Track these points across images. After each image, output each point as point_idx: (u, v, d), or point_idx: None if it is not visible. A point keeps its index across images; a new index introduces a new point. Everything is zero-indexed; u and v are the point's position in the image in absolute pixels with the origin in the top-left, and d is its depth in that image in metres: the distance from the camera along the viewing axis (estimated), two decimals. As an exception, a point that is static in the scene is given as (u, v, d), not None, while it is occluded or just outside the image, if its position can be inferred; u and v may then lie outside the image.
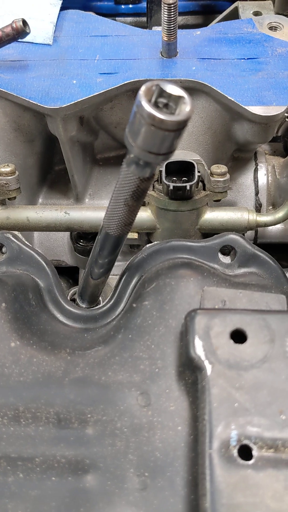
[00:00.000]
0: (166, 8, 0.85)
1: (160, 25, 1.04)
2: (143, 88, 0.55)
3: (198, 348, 0.57)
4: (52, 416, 0.61)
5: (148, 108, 0.53)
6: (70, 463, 0.59)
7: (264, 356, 0.56)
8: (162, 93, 0.56)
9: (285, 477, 0.50)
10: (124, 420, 0.60)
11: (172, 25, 0.87)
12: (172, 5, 0.84)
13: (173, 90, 0.56)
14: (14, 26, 0.88)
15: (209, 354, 0.56)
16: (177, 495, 0.55)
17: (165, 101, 0.56)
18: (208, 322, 0.58)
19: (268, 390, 0.54)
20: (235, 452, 0.52)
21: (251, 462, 0.51)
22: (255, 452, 0.51)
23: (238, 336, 0.58)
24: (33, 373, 0.65)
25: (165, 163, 0.87)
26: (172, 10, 0.85)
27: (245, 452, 0.52)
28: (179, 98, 0.55)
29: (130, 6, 1.27)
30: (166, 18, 0.86)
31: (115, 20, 1.27)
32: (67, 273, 1.21)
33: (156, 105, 0.56)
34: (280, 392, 0.54)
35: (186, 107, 0.55)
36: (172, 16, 0.86)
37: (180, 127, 0.55)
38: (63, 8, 1.04)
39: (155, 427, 0.59)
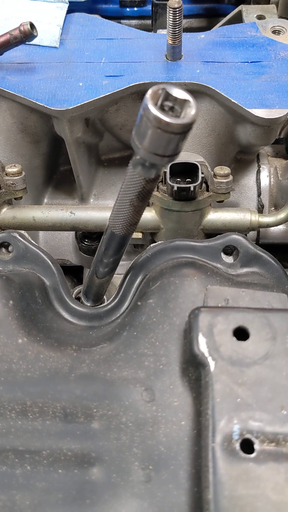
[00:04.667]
0: (171, 12, 0.86)
1: (165, 28, 1.06)
2: (149, 92, 0.57)
3: (202, 345, 0.59)
4: (58, 411, 0.63)
5: (154, 111, 0.55)
6: (76, 456, 0.60)
7: (266, 353, 0.57)
8: (168, 96, 0.57)
9: (286, 470, 0.52)
10: (129, 415, 0.62)
11: (177, 29, 0.89)
12: (177, 10, 0.86)
13: (179, 93, 0.58)
14: (22, 29, 0.89)
15: (212, 350, 0.58)
16: (180, 487, 0.57)
17: (171, 104, 0.58)
18: (212, 320, 0.60)
19: (270, 386, 0.56)
20: (237, 445, 0.53)
21: (252, 455, 0.52)
22: (256, 446, 0.53)
23: (241, 334, 0.59)
24: (40, 369, 0.66)
25: (170, 164, 0.89)
26: (177, 14, 0.87)
27: (247, 446, 0.53)
28: (184, 102, 0.57)
29: (135, 9, 1.28)
30: (171, 22, 0.88)
31: (120, 22, 1.29)
32: (72, 272, 1.22)
33: (162, 108, 0.58)
34: (282, 388, 0.55)
35: (191, 111, 0.56)
36: (177, 20, 0.87)
37: (185, 130, 0.56)
38: (69, 11, 1.05)
39: (159, 422, 0.61)
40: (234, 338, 0.59)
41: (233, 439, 0.53)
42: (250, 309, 0.61)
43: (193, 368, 0.61)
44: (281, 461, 0.52)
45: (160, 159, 0.59)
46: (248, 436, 0.53)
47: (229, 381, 0.56)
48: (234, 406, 0.55)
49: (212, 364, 0.57)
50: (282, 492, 0.50)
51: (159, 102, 0.58)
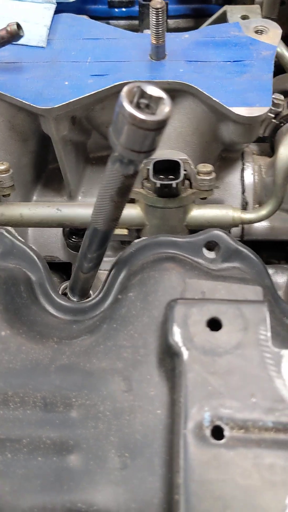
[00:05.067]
0: (154, 12, 0.88)
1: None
2: (125, 90, 0.58)
3: (176, 335, 0.61)
4: (39, 401, 0.65)
5: (129, 108, 0.57)
6: (55, 444, 0.62)
7: (237, 343, 0.59)
8: (143, 94, 0.59)
9: (254, 456, 0.53)
10: (107, 404, 0.63)
11: (160, 29, 0.91)
12: (160, 9, 0.88)
13: (153, 91, 0.60)
14: (9, 29, 0.91)
15: (186, 341, 0.60)
16: (155, 474, 0.59)
17: (146, 101, 0.60)
18: (186, 311, 0.62)
19: (240, 375, 0.57)
20: (208, 432, 0.55)
21: (222, 441, 0.54)
22: (226, 433, 0.55)
23: (214, 324, 0.61)
24: (22, 360, 0.68)
25: (153, 162, 0.91)
26: (160, 14, 0.89)
27: (217, 432, 0.55)
28: (159, 99, 0.59)
29: (124, 9, 1.30)
30: (154, 22, 0.90)
31: (109, 23, 1.31)
32: (61, 269, 1.24)
33: (138, 105, 0.59)
34: (252, 377, 0.57)
35: (165, 108, 0.58)
36: (160, 20, 0.89)
37: (160, 126, 0.58)
38: (57, 11, 1.07)
39: (135, 411, 0.63)
40: (208, 329, 0.60)
41: (204, 426, 0.55)
42: (224, 301, 0.63)
43: (169, 358, 0.63)
44: (250, 446, 0.54)
45: (137, 155, 0.61)
46: (218, 423, 0.55)
47: (201, 370, 0.58)
48: (205, 394, 0.56)
49: (185, 354, 0.59)
50: (249, 477, 0.52)
51: (135, 100, 0.59)
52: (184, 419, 0.56)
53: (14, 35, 0.92)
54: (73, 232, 1.10)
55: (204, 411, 0.55)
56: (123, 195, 0.69)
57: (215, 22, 1.13)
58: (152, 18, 0.89)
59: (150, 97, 0.59)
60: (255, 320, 0.60)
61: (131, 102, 0.58)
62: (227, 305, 0.62)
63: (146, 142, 0.59)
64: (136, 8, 1.26)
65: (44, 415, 0.64)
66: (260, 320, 0.60)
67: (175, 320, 0.61)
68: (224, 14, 1.10)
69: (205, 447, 0.54)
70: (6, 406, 0.65)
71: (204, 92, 0.90)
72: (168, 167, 0.91)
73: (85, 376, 0.66)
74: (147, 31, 1.13)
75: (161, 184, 0.89)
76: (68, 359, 0.68)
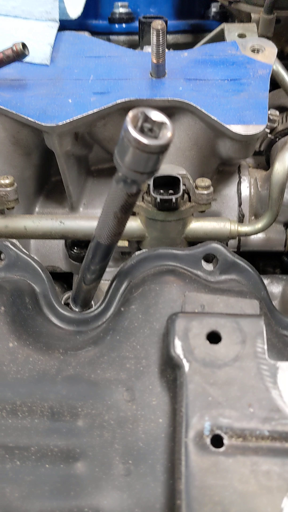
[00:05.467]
0: (155, 33, 0.91)
1: (150, 44, 1.11)
2: (130, 115, 0.62)
3: (178, 347, 0.64)
4: (46, 410, 0.68)
5: (134, 133, 0.60)
6: (62, 452, 0.65)
7: (236, 355, 0.62)
8: (147, 119, 0.63)
9: (251, 463, 0.57)
10: (111, 413, 0.67)
11: (160, 49, 0.94)
12: (160, 31, 0.91)
13: (157, 116, 0.63)
14: (15, 49, 0.94)
15: (187, 353, 0.63)
16: (157, 480, 0.62)
17: (149, 126, 0.63)
18: (187, 324, 0.65)
19: (239, 386, 0.61)
20: (208, 440, 0.58)
21: (222, 449, 0.57)
22: (225, 441, 0.58)
23: (214, 337, 0.64)
24: (29, 371, 0.71)
25: (153, 177, 0.94)
26: (161, 35, 0.92)
27: (217, 441, 0.58)
28: (161, 124, 0.62)
29: (124, 25, 1.33)
30: (155, 42, 0.93)
31: (109, 38, 1.34)
32: (62, 279, 1.27)
33: (141, 130, 0.63)
34: (249, 387, 0.60)
35: (167, 132, 0.62)
36: (160, 40, 0.92)
37: (162, 150, 0.61)
38: (60, 27, 1.10)
39: (138, 420, 0.66)
40: (207, 342, 0.64)
41: (204, 434, 0.58)
42: (223, 315, 0.66)
43: (171, 370, 0.66)
44: (247, 454, 0.57)
45: (140, 175, 0.64)
46: (218, 432, 0.58)
47: (201, 381, 0.61)
48: (205, 404, 0.60)
49: (186, 366, 0.62)
50: (247, 483, 0.55)
51: (139, 124, 0.63)
52: (185, 428, 0.59)
53: (19, 54, 0.95)
54: (75, 243, 1.13)
55: (204, 420, 0.59)
56: (126, 212, 0.72)
57: (213, 39, 1.16)
58: (153, 39, 0.92)
59: (153, 121, 0.62)
60: (253, 334, 0.63)
61: (135, 126, 0.61)
62: (225, 319, 0.65)
63: (149, 164, 0.63)
64: (136, 24, 1.30)
65: (52, 424, 0.67)
66: (257, 333, 0.63)
67: (176, 333, 0.65)
68: (221, 32, 1.13)
69: (205, 455, 0.57)
70: (14, 415, 0.68)
71: (203, 110, 0.94)
72: (168, 182, 0.94)
73: (90, 386, 0.69)
74: (147, 48, 1.16)
75: (161, 199, 0.92)
76: (74, 369, 0.71)
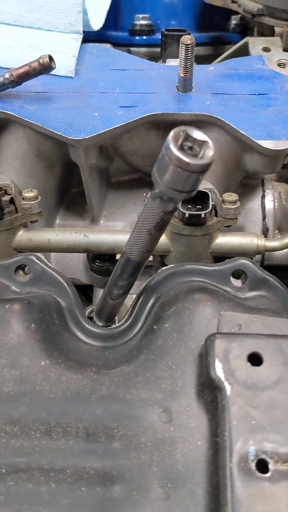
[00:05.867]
0: (184, 48, 0.91)
1: (173, 57, 1.11)
2: (172, 133, 0.61)
3: (218, 370, 0.63)
4: (81, 431, 0.66)
5: (176, 152, 0.59)
6: (99, 474, 0.64)
7: (278, 377, 0.61)
8: (188, 137, 0.62)
9: (299, 489, 0.55)
10: (148, 435, 0.65)
11: (188, 63, 0.94)
12: (189, 46, 0.91)
13: (198, 135, 0.62)
14: (41, 61, 0.94)
15: (228, 375, 0.62)
16: (197, 504, 0.60)
17: (190, 144, 0.62)
18: (227, 346, 0.64)
19: (282, 409, 0.60)
20: (253, 465, 0.57)
21: (267, 475, 0.56)
22: (271, 466, 0.57)
23: (255, 359, 0.63)
24: (63, 390, 0.70)
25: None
26: (190, 49, 0.92)
27: (262, 466, 0.57)
28: (203, 143, 0.61)
29: (144, 37, 1.33)
30: (183, 57, 0.93)
31: (130, 50, 1.34)
32: (80, 291, 1.26)
33: (181, 147, 0.62)
34: (293, 411, 0.59)
35: (209, 152, 0.61)
36: (189, 55, 0.92)
37: (204, 169, 0.61)
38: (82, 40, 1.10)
39: (176, 442, 0.64)
40: (249, 364, 0.63)
41: (249, 459, 0.57)
42: (263, 336, 0.65)
43: (209, 391, 0.65)
44: (294, 480, 0.56)
45: (178, 194, 0.64)
46: (263, 456, 0.57)
47: (244, 404, 0.60)
48: (249, 428, 0.59)
49: (228, 388, 0.61)
50: (295, 510, 0.54)
51: (179, 142, 0.62)
52: (229, 452, 0.58)
53: (46, 67, 0.94)
54: (97, 256, 1.12)
55: (249, 445, 0.57)
56: (160, 229, 0.71)
57: (236, 52, 1.16)
58: (181, 53, 0.92)
59: (195, 140, 0.62)
60: (294, 355, 0.62)
61: (176, 145, 0.61)
62: (266, 339, 0.64)
63: (188, 183, 0.62)
64: (157, 36, 1.30)
65: (87, 445, 0.66)
66: (298, 355, 0.62)
67: (216, 354, 0.63)
68: (245, 45, 1.13)
69: (251, 481, 0.56)
70: (49, 436, 0.66)
71: (231, 125, 0.93)
72: (195, 197, 0.93)
73: (126, 406, 0.68)
74: (169, 60, 1.16)
75: (189, 214, 0.91)
76: (108, 389, 0.70)
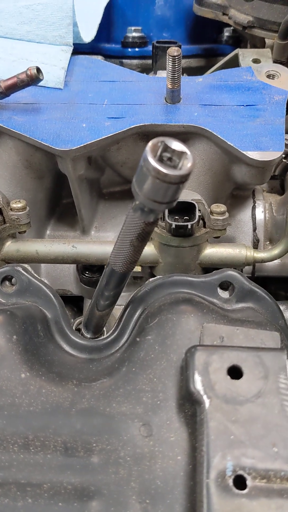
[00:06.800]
0: (170, 59, 0.91)
1: (164, 69, 1.11)
2: (150, 144, 0.60)
3: (197, 383, 0.62)
4: (59, 445, 0.65)
5: (153, 163, 0.59)
6: (76, 489, 0.62)
7: (258, 391, 0.60)
8: (166, 148, 0.61)
9: (277, 506, 0.54)
10: (127, 450, 0.64)
11: (176, 75, 0.94)
12: (176, 57, 0.91)
13: (177, 146, 0.62)
14: (29, 73, 0.94)
15: (207, 389, 0.61)
16: (176, 521, 0.59)
17: (169, 155, 0.62)
18: (207, 359, 0.63)
19: (262, 424, 0.58)
20: (230, 481, 0.55)
21: (245, 491, 0.55)
22: (249, 482, 0.55)
23: (235, 372, 0.62)
24: (42, 403, 0.69)
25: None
26: (176, 61, 0.92)
27: (239, 482, 0.56)
28: (182, 154, 0.61)
29: (137, 49, 1.34)
30: (170, 68, 0.93)
31: (122, 62, 1.35)
32: (72, 302, 1.25)
33: (160, 159, 0.61)
34: (273, 425, 0.58)
35: (188, 163, 0.60)
36: (176, 66, 0.92)
37: (182, 180, 0.60)
38: (73, 51, 1.10)
39: (156, 457, 0.63)
40: (228, 377, 0.61)
41: (226, 475, 0.56)
42: (244, 348, 0.64)
43: (189, 405, 0.64)
44: (272, 497, 0.54)
45: (158, 205, 0.63)
46: (240, 472, 0.56)
47: (223, 418, 0.59)
48: (227, 443, 0.57)
49: (207, 402, 0.60)
50: (273, 528, 0.53)
51: (158, 153, 0.61)
52: (206, 468, 0.56)
53: (34, 79, 0.95)
54: (87, 267, 1.11)
55: (227, 460, 0.56)
56: (142, 240, 0.71)
57: (227, 64, 1.16)
58: (169, 65, 0.92)
59: (173, 151, 0.61)
60: (275, 368, 0.61)
61: (154, 156, 0.60)
62: (247, 352, 0.63)
63: (168, 194, 0.61)
64: (149, 48, 1.30)
65: (65, 459, 0.64)
66: (280, 368, 0.61)
67: (196, 367, 0.62)
68: (236, 57, 1.13)
69: (228, 497, 0.55)
70: (26, 450, 0.65)
71: (219, 136, 0.93)
72: (183, 208, 0.93)
73: (106, 420, 0.67)
74: (160, 72, 1.16)
75: (176, 225, 0.90)
76: (88, 402, 0.69)
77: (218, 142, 0.95)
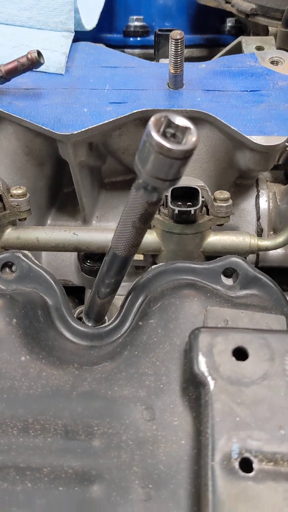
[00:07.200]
0: (173, 43, 0.90)
1: (167, 57, 1.09)
2: (152, 119, 0.59)
3: (202, 364, 0.60)
4: (60, 428, 0.64)
5: (157, 137, 0.57)
6: (77, 473, 0.61)
7: (264, 373, 0.59)
8: (170, 124, 0.60)
9: (284, 490, 0.52)
10: (130, 434, 0.63)
11: (178, 59, 0.92)
12: (179, 40, 0.90)
13: (181, 121, 0.60)
14: (29, 56, 0.93)
15: (212, 370, 0.59)
16: (180, 506, 0.57)
17: (172, 131, 0.60)
18: (211, 340, 0.61)
19: (268, 406, 0.57)
20: (236, 464, 0.54)
21: (251, 474, 0.53)
22: (255, 465, 0.54)
23: (240, 354, 0.60)
24: (42, 386, 0.67)
25: (171, 188, 0.91)
26: (179, 45, 0.90)
27: (246, 465, 0.54)
28: (186, 129, 0.59)
29: (138, 38, 1.33)
30: (173, 52, 0.91)
31: (124, 51, 1.33)
32: (74, 293, 1.23)
33: (164, 134, 0.60)
34: (279, 408, 0.57)
35: (192, 137, 0.59)
36: (179, 50, 0.91)
37: (186, 155, 0.58)
38: (75, 40, 1.09)
39: (159, 441, 0.62)
40: (233, 358, 0.60)
41: (232, 458, 0.54)
42: (249, 330, 0.62)
43: (193, 388, 0.62)
44: (279, 480, 0.53)
45: (161, 183, 0.61)
46: (247, 455, 0.54)
47: (228, 400, 0.57)
48: (233, 425, 0.56)
49: (211, 384, 0.59)
50: (280, 511, 0.51)
51: (162, 129, 0.60)
52: (211, 450, 0.55)
53: (34, 63, 0.93)
54: (88, 256, 1.10)
55: (232, 442, 0.55)
56: (145, 222, 0.69)
57: (230, 52, 1.15)
58: (171, 48, 0.91)
59: (177, 126, 0.60)
60: (281, 351, 0.60)
61: (158, 131, 0.59)
62: (252, 334, 0.61)
63: (171, 171, 0.60)
64: (151, 37, 1.29)
65: (66, 443, 0.63)
66: (286, 350, 0.60)
67: (200, 349, 0.61)
68: (239, 45, 1.12)
69: (234, 480, 0.53)
70: (26, 433, 0.64)
71: (222, 121, 0.91)
72: (186, 194, 0.92)
73: (107, 403, 0.65)
74: (163, 60, 1.15)
75: (179, 211, 0.89)
76: (90, 385, 0.67)
77: (221, 128, 0.93)
